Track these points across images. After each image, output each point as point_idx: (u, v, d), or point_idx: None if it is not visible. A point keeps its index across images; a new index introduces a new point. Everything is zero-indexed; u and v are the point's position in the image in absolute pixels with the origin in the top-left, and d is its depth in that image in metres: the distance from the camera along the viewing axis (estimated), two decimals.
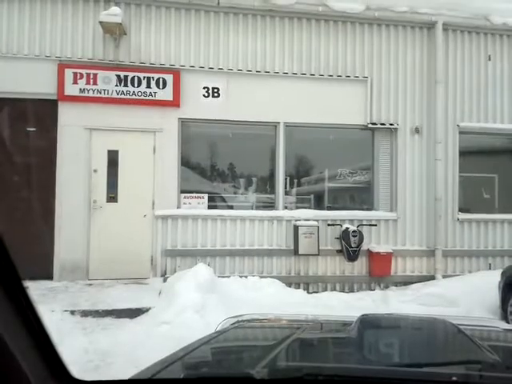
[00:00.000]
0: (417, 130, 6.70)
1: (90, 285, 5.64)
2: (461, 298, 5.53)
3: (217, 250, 6.09)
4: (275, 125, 6.47)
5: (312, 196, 6.73)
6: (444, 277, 6.40)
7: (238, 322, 1.81)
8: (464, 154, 6.80)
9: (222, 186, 6.57)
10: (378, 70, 6.70)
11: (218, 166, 6.62)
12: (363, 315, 1.72)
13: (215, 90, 6.29)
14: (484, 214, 6.79)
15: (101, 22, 5.77)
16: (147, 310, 4.81)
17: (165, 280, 5.58)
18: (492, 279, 5.43)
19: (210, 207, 6.25)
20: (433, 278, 6.43)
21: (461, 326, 1.53)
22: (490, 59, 7.00)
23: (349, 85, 6.61)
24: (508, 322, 4.92)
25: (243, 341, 1.65)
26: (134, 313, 4.77)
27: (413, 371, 1.10)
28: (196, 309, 4.63)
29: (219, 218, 6.12)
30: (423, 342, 1.48)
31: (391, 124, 6.66)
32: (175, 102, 6.11)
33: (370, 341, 1.52)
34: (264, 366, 1.10)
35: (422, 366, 1.14)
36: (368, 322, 1.66)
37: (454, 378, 1.00)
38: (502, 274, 5.25)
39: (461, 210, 6.73)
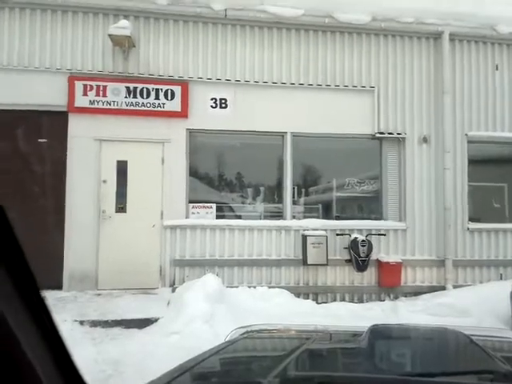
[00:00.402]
0: (425, 140, 6.69)
1: (99, 295, 5.65)
2: (472, 308, 5.45)
3: (225, 260, 6.08)
4: (282, 135, 6.50)
5: (320, 205, 6.72)
6: (454, 287, 6.32)
7: (247, 332, 1.80)
8: (473, 162, 6.76)
9: (230, 196, 6.58)
10: (385, 79, 6.73)
11: (225, 175, 6.65)
12: (373, 325, 1.71)
13: (223, 101, 6.35)
14: (494, 223, 6.72)
15: (110, 35, 5.88)
16: (156, 320, 4.80)
17: (173, 290, 5.57)
18: (503, 289, 5.35)
19: (218, 217, 6.26)
20: (443, 288, 6.35)
21: (472, 337, 1.51)
22: (497, 69, 7.00)
23: (356, 95, 6.64)
24: None
25: (253, 351, 1.64)
26: (142, 323, 4.76)
27: (425, 381, 1.08)
28: (205, 319, 4.62)
29: (227, 228, 6.13)
30: (434, 352, 1.47)
31: (399, 133, 6.66)
32: (183, 113, 6.18)
33: (381, 351, 1.51)
34: (275, 376, 1.09)
35: (433, 375, 1.12)
36: (378, 333, 1.65)
37: None
38: None
39: (471, 219, 6.67)
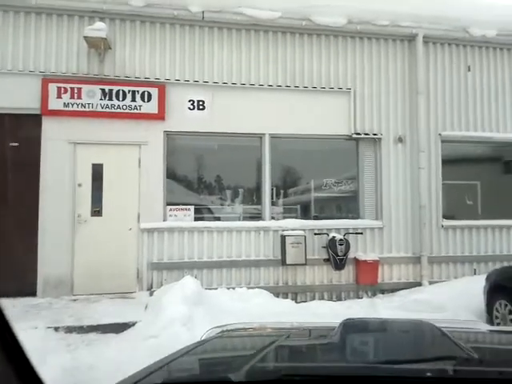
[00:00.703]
0: (400, 140, 6.82)
1: (75, 300, 5.56)
2: (447, 303, 5.57)
3: (204, 262, 6.07)
4: (261, 136, 6.53)
5: (298, 206, 6.78)
6: (430, 283, 6.46)
7: (222, 331, 1.82)
8: (447, 162, 6.93)
9: (208, 198, 6.58)
10: (361, 81, 6.83)
11: (204, 177, 6.64)
12: (346, 319, 1.73)
13: (200, 103, 6.34)
14: (468, 220, 6.90)
15: (85, 37, 5.81)
16: (133, 324, 4.76)
17: (151, 294, 5.53)
18: (477, 284, 5.50)
19: (196, 219, 6.24)
20: (419, 284, 6.49)
21: (444, 329, 1.54)
22: (469, 70, 7.18)
23: (333, 96, 6.71)
24: (493, 325, 4.98)
25: (226, 349, 1.65)
26: (120, 327, 4.71)
27: (389, 368, 1.10)
28: (183, 322, 4.60)
29: (206, 230, 6.12)
30: (403, 343, 1.49)
31: (375, 134, 6.77)
32: (160, 115, 6.14)
33: (351, 343, 1.53)
34: (243, 371, 1.10)
35: (398, 363, 1.14)
36: (350, 326, 1.67)
37: (429, 374, 1.02)
38: (487, 278, 5.32)
39: (445, 216, 6.82)
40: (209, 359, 1.48)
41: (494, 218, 6.97)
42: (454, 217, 6.91)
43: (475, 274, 6.61)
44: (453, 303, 5.57)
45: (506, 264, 6.16)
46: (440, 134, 6.91)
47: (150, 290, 5.83)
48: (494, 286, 5.09)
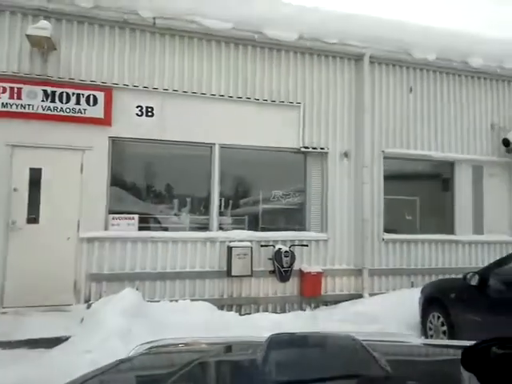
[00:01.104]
0: (346, 155, 7.06)
1: (5, 313, 5.22)
2: (384, 315, 5.79)
3: (146, 274, 5.91)
4: (211, 146, 6.52)
5: (247, 217, 6.81)
6: (371, 295, 6.69)
7: (151, 347, 1.77)
8: (389, 177, 7.25)
9: (155, 207, 6.45)
10: (311, 97, 7.01)
11: (151, 186, 6.51)
12: (272, 335, 1.74)
13: (149, 110, 6.23)
14: (407, 234, 7.24)
15: (28, 36, 5.54)
16: (67, 338, 4.54)
17: (89, 306, 5.30)
18: (413, 296, 5.77)
19: (141, 228, 6.08)
20: (361, 296, 6.70)
21: (371, 342, 1.57)
22: (411, 91, 7.59)
23: (283, 110, 6.84)
24: (427, 337, 5.22)
25: (145, 367, 1.59)
26: (52, 342, 4.47)
27: None
28: (121, 335, 4.44)
29: (150, 240, 5.98)
30: (321, 359, 1.51)
31: (322, 148, 6.96)
32: (106, 120, 5.96)
33: (272, 360, 1.53)
34: None
35: (306, 382, 1.15)
36: (276, 342, 1.68)
37: None
38: (422, 291, 5.60)
39: (386, 230, 7.12)
40: (124, 378, 1.44)
41: (431, 233, 7.37)
42: (394, 231, 7.22)
43: (412, 286, 6.93)
44: (390, 314, 5.80)
45: (440, 277, 6.51)
46: (383, 151, 7.23)
47: (88, 302, 5.58)
48: (429, 299, 5.35)
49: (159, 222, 6.40)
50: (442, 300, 5.06)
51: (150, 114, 6.23)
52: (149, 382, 1.34)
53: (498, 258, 5.24)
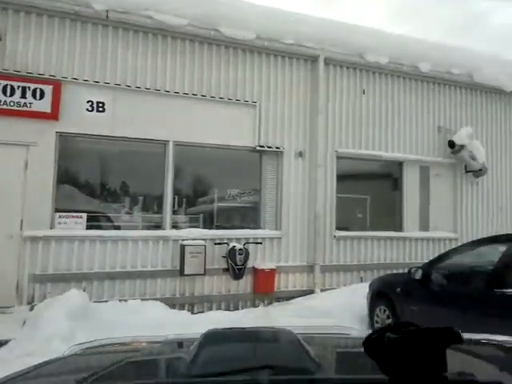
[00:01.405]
0: (300, 154, 7.19)
1: None
2: (335, 310, 5.95)
3: (94, 274, 5.75)
4: (164, 143, 6.43)
5: (201, 215, 6.79)
6: (322, 290, 6.87)
7: (87, 348, 1.73)
8: (341, 177, 7.46)
9: (106, 205, 6.28)
10: (267, 96, 7.07)
11: (102, 183, 6.34)
12: (208, 330, 1.74)
13: (100, 105, 6.06)
14: (357, 231, 7.49)
15: None
16: (6, 342, 4.36)
17: (32, 308, 5.10)
18: (362, 291, 5.98)
19: (92, 227, 5.91)
20: (312, 292, 6.87)
21: (306, 335, 1.58)
22: (364, 93, 7.83)
23: (239, 108, 6.86)
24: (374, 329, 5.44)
25: (70, 369, 1.54)
26: None
27: (212, 380, 1.13)
28: (64, 338, 4.31)
29: (98, 239, 5.82)
30: (250, 352, 1.53)
31: (277, 147, 7.06)
32: (53, 115, 5.74)
33: (199, 354, 1.54)
34: None
35: (228, 374, 1.15)
36: (210, 337, 1.69)
37: None
38: (370, 286, 5.80)
39: (337, 227, 7.33)
40: (47, 380, 1.41)
41: (381, 230, 7.66)
42: (345, 228, 7.45)
43: (362, 281, 7.17)
44: (339, 309, 5.98)
45: (389, 272, 6.79)
46: (336, 151, 7.43)
47: (31, 303, 5.36)
48: (376, 293, 5.54)
49: (111, 221, 6.25)
50: (388, 294, 5.26)
51: (100, 109, 6.06)
52: (70, 382, 1.32)
53: (438, 254, 5.52)
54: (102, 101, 6.07)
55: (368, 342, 0.95)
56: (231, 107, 6.80)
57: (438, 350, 0.60)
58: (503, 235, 5.03)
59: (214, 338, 1.78)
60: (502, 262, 4.01)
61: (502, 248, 4.16)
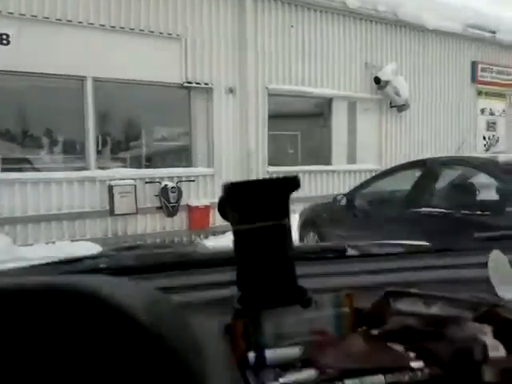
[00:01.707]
0: (231, 91, 7.07)
1: None
2: None
3: (16, 218, 5.45)
4: (82, 79, 6.00)
5: (129, 155, 6.59)
6: None
7: None
8: (273, 115, 7.49)
9: (21, 148, 5.87)
10: (193, 30, 6.74)
11: (15, 124, 5.87)
12: None
13: (4, 37, 5.47)
14: (289, 166, 7.70)
15: None
16: None
17: None
18: (294, 221, 6.25)
19: (6, 170, 5.53)
20: None
21: None
22: (292, 26, 7.73)
23: (162, 42, 6.51)
24: None
25: None
26: None
27: None
28: None
29: (17, 182, 5.46)
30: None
31: (206, 83, 6.87)
32: None
33: None
34: None
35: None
36: None
37: None
38: (300, 215, 6.09)
39: (270, 163, 7.47)
40: None
41: (311, 164, 7.93)
42: (278, 164, 7.61)
43: (294, 213, 7.48)
44: None
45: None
46: (267, 88, 7.40)
47: None
48: (305, 221, 5.87)
49: (30, 163, 5.88)
50: (316, 221, 5.59)
51: (5, 41, 5.48)
52: None
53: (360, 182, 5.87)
54: (5, 32, 5.47)
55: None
56: (154, 40, 6.44)
57: (282, 198, 0.62)
58: (419, 160, 5.39)
59: None
60: (417, 185, 4.36)
61: (418, 173, 4.51)
